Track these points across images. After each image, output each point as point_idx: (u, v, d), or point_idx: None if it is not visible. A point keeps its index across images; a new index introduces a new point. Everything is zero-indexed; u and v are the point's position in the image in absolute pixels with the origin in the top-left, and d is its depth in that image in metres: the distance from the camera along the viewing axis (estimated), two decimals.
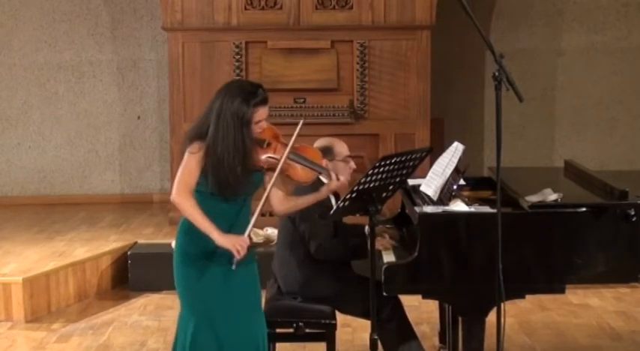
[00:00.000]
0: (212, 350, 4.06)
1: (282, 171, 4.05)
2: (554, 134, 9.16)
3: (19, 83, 9.04)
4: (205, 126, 3.99)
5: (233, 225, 4.04)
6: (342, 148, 4.83)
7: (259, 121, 4.02)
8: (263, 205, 4.02)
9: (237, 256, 3.93)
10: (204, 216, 3.97)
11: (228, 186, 3.96)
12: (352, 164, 4.82)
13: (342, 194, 4.24)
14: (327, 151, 4.80)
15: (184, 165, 3.99)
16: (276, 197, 4.16)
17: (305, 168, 4.08)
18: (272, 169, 4.05)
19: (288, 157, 4.04)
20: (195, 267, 4.06)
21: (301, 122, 4.09)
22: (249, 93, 4.00)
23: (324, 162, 4.17)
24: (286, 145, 4.05)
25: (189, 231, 4.05)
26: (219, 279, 4.05)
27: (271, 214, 7.52)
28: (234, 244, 3.94)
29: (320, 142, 4.88)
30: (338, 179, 4.14)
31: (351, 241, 4.78)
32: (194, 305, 4.09)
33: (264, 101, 4.03)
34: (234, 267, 3.96)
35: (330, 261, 4.74)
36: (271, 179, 4.04)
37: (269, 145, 4.06)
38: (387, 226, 5.08)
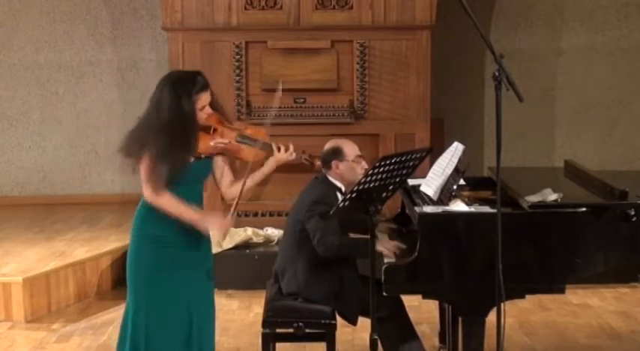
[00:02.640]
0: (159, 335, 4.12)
1: (232, 154, 4.15)
2: (554, 134, 9.16)
3: (19, 83, 9.05)
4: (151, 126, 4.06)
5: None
6: (351, 148, 4.84)
7: (204, 107, 4.09)
8: (244, 186, 4.11)
9: (223, 239, 4.06)
10: (187, 210, 4.06)
11: (178, 173, 4.03)
12: (364, 164, 4.81)
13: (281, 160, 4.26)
14: (336, 153, 4.81)
15: (146, 163, 4.02)
16: (226, 182, 4.23)
17: (251, 147, 4.15)
18: (221, 153, 4.16)
19: (235, 140, 4.12)
20: (150, 251, 4.12)
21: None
22: (188, 82, 4.09)
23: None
24: (232, 129, 4.14)
25: (147, 215, 4.12)
26: (174, 262, 4.11)
27: (271, 214, 7.62)
28: (220, 227, 4.10)
29: (329, 145, 4.89)
30: (287, 150, 4.24)
31: (354, 239, 4.77)
32: (145, 292, 4.13)
33: (204, 87, 4.12)
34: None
35: (333, 258, 4.71)
36: (221, 163, 4.18)
37: (215, 130, 4.14)
38: (393, 229, 5.06)
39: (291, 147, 4.29)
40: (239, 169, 4.27)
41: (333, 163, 4.80)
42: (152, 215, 4.11)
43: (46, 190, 9.14)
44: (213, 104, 4.18)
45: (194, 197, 4.14)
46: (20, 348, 5.88)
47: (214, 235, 4.25)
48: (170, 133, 4.00)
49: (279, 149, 4.26)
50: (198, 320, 4.16)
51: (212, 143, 4.11)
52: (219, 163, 4.21)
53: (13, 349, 5.87)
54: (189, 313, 4.15)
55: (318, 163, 4.51)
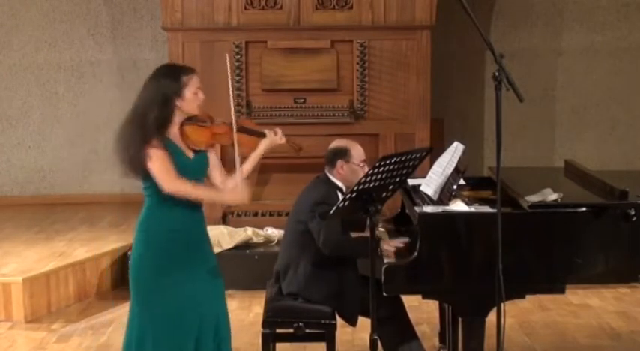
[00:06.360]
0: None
1: (229, 144, 4.21)
2: (554, 134, 9.16)
3: (19, 83, 9.04)
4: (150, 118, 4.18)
5: (188, 209, 4.14)
6: (358, 152, 4.85)
7: (197, 90, 4.15)
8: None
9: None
10: (205, 189, 4.14)
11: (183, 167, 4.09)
12: (366, 168, 4.81)
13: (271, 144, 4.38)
14: (344, 154, 4.81)
15: (155, 161, 4.09)
16: (219, 176, 4.27)
17: (248, 136, 4.29)
18: (214, 146, 4.24)
19: (231, 130, 4.19)
20: (156, 252, 4.12)
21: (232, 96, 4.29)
22: (175, 70, 4.26)
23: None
24: (224, 122, 4.23)
25: (153, 215, 4.15)
26: (178, 262, 4.12)
27: (271, 214, 7.62)
28: (243, 197, 4.15)
29: (337, 144, 4.89)
30: (276, 134, 4.35)
31: (359, 238, 4.78)
32: (150, 292, 4.13)
33: (192, 70, 4.23)
34: None
35: (336, 257, 4.71)
36: (213, 157, 4.26)
37: (212, 121, 4.21)
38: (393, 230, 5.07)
39: (279, 132, 4.38)
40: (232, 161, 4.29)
41: (339, 163, 4.80)
42: (157, 215, 4.13)
43: (46, 190, 9.14)
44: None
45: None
46: (20, 348, 5.88)
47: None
48: (153, 113, 4.15)
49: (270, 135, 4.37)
50: (209, 318, 4.15)
51: (210, 134, 4.17)
52: (212, 158, 4.24)
53: (13, 349, 5.87)
54: (198, 312, 4.13)
55: (301, 147, 4.58)
